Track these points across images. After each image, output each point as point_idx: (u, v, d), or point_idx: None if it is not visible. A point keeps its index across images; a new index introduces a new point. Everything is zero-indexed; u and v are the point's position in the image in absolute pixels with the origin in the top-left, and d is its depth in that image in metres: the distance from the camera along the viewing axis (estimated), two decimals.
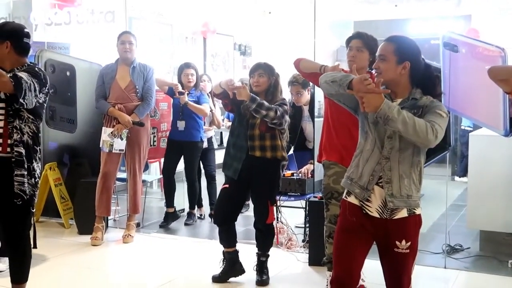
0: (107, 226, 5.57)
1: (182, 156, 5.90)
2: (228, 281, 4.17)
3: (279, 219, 5.11)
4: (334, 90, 2.69)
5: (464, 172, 8.13)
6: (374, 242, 2.76)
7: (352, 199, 2.72)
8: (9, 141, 3.18)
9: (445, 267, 4.50)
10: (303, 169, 5.07)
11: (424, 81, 2.73)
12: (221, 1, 8.46)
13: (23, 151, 3.17)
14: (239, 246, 4.16)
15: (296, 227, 5.48)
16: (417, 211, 2.69)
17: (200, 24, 8.07)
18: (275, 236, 4.18)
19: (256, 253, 4.19)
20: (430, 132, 2.53)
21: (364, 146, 2.71)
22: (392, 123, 2.49)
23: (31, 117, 3.23)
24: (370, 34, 3.80)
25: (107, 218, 5.59)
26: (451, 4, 8.98)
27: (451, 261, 4.63)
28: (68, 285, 4.23)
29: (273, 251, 4.28)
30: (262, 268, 4.17)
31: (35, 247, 3.47)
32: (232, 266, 4.18)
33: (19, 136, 3.17)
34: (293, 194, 5.03)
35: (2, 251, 4.38)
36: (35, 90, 3.15)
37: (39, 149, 3.33)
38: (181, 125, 5.71)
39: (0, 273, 4.22)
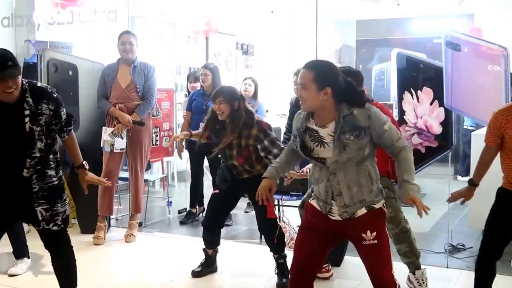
0: (109, 225, 5.58)
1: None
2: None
3: (281, 219, 5.10)
4: None
5: (466, 172, 8.10)
6: None
7: (314, 203, 2.87)
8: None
9: (447, 267, 4.50)
10: (305, 168, 5.06)
11: (348, 97, 2.73)
12: (223, 0, 8.46)
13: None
14: (241, 245, 4.17)
15: (298, 226, 5.47)
16: (377, 206, 2.79)
17: (203, 23, 8.05)
18: (278, 233, 4.15)
19: (273, 255, 4.20)
20: (410, 151, 2.78)
21: (314, 167, 2.87)
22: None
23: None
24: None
25: (109, 217, 5.60)
26: (453, 2, 8.96)
27: (454, 260, 4.63)
28: None
29: None
30: (282, 270, 4.17)
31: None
32: (210, 266, 4.38)
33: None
34: (295, 193, 5.03)
35: (18, 253, 4.40)
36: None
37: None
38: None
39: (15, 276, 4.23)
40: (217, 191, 4.25)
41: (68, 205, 3.25)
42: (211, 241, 4.34)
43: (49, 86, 3.20)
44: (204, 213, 6.14)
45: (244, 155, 4.03)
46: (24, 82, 3.04)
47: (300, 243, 2.89)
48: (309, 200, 2.93)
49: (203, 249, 4.38)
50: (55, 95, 3.11)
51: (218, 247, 4.42)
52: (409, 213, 6.71)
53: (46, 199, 3.11)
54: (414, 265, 3.98)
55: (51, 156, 3.15)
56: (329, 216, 2.81)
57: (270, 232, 4.13)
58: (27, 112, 3.00)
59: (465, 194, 3.46)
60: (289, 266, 4.12)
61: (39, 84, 3.16)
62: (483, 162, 3.36)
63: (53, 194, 3.14)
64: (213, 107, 4.11)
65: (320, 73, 2.70)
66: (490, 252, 3.29)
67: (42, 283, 4.15)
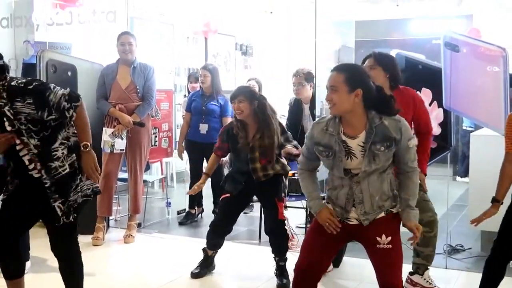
0: (108, 226, 5.57)
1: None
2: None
3: None
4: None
5: (465, 172, 8.11)
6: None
7: (331, 207, 2.85)
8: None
9: (446, 268, 4.50)
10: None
11: (378, 104, 2.72)
12: (222, 1, 8.46)
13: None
14: (240, 246, 4.17)
15: (297, 227, 5.48)
16: (394, 210, 2.78)
17: (202, 24, 8.06)
18: (286, 236, 4.16)
19: (273, 258, 4.19)
20: (418, 174, 2.80)
21: (334, 173, 2.80)
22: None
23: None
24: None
25: (108, 218, 5.60)
26: (452, 3, 8.97)
27: (452, 261, 4.63)
28: None
29: None
30: (282, 272, 4.17)
31: None
32: (208, 266, 4.37)
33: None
34: (294, 194, 5.03)
35: None
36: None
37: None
38: (203, 128, 5.73)
39: None
40: (227, 195, 4.18)
41: (79, 192, 3.11)
42: (216, 244, 4.30)
43: (27, 79, 3.01)
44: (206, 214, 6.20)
45: (268, 155, 4.01)
46: (6, 80, 2.94)
47: (309, 245, 2.87)
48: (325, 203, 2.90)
49: (203, 249, 4.36)
50: (30, 87, 2.94)
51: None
52: None
53: (59, 192, 3.02)
54: (425, 268, 3.98)
55: (54, 147, 3.01)
56: (346, 221, 2.79)
57: (280, 233, 4.11)
58: (3, 112, 2.91)
59: (489, 214, 3.30)
60: (289, 267, 4.17)
61: (14, 81, 2.97)
62: (505, 174, 3.22)
63: (64, 186, 3.04)
64: (233, 107, 4.09)
65: (351, 75, 2.69)
66: (503, 254, 3.24)
67: (40, 285, 4.14)
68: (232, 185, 4.16)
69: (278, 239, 4.12)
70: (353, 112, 2.68)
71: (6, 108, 2.92)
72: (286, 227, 4.26)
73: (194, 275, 4.32)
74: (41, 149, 2.99)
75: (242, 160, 4.09)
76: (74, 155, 3.10)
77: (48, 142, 3.00)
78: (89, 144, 3.12)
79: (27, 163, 2.99)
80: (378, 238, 2.71)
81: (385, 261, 2.76)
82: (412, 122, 3.75)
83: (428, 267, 3.99)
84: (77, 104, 3.07)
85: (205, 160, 5.93)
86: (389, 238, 2.71)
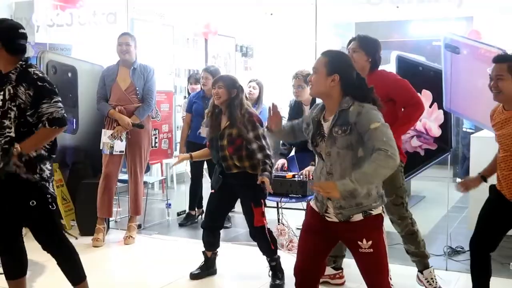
0: (108, 227, 5.57)
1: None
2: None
3: (280, 221, 5.10)
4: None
5: (465, 174, 8.10)
6: None
7: (313, 204, 2.89)
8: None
9: (446, 269, 4.50)
10: (305, 171, 5.07)
11: (354, 90, 2.74)
12: (222, 2, 8.46)
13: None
14: (240, 248, 4.17)
15: (298, 229, 5.46)
16: (374, 212, 2.76)
17: (202, 26, 8.06)
18: (268, 239, 4.15)
19: (266, 258, 4.20)
20: (390, 159, 2.53)
21: (318, 164, 2.88)
22: (358, 191, 2.63)
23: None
24: (371, 36, 3.83)
25: (109, 219, 5.60)
26: (452, 5, 8.95)
27: (453, 263, 4.63)
28: (69, 286, 4.22)
29: None
30: (275, 272, 4.18)
31: None
32: (209, 268, 4.38)
33: None
34: (294, 195, 5.03)
35: None
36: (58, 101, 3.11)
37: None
38: (204, 131, 5.70)
39: None
40: (212, 191, 4.26)
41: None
42: (210, 243, 4.34)
43: (43, 75, 3.11)
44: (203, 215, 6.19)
45: (236, 145, 4.00)
46: (26, 64, 3.08)
47: (301, 246, 2.92)
48: (310, 201, 2.94)
49: (203, 251, 4.37)
50: (39, 83, 3.04)
51: (218, 250, 4.42)
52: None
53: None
54: (422, 264, 4.00)
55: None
56: (325, 216, 2.81)
57: (260, 238, 4.13)
58: (6, 88, 3.02)
59: (472, 183, 3.51)
60: (284, 267, 4.18)
61: (31, 69, 3.09)
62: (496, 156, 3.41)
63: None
64: (212, 92, 4.12)
65: (332, 60, 2.75)
66: (481, 242, 3.39)
67: (36, 284, 4.14)
68: (214, 178, 4.22)
69: (260, 243, 4.15)
70: (329, 96, 2.75)
71: (9, 87, 3.03)
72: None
73: (193, 276, 4.33)
74: (15, 139, 3.03)
75: (215, 148, 4.11)
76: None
77: (22, 137, 3.05)
78: (20, 151, 3.04)
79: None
80: (360, 243, 2.73)
81: (368, 266, 2.79)
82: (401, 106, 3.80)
83: (428, 266, 4.00)
84: (55, 128, 3.08)
85: (205, 162, 5.94)
86: (370, 242, 2.72)
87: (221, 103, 4.07)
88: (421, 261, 4.00)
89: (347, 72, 2.75)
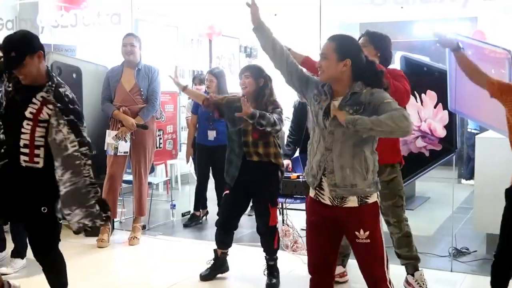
0: (113, 228, 5.58)
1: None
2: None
3: (284, 222, 5.10)
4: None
5: (470, 175, 8.09)
6: None
7: (310, 192, 2.87)
8: (35, 151, 3.10)
9: (451, 270, 4.48)
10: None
11: (367, 76, 2.74)
12: (226, 3, 8.46)
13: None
14: (244, 249, 4.17)
15: (302, 229, 5.45)
16: (370, 200, 2.76)
17: (206, 26, 8.07)
18: (276, 239, 4.15)
19: (264, 257, 4.20)
20: (404, 120, 2.55)
21: (313, 138, 2.85)
22: (361, 127, 2.56)
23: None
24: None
25: (113, 220, 5.60)
26: (457, 6, 8.94)
27: (458, 264, 4.61)
28: (73, 287, 4.23)
29: (279, 254, 4.27)
30: (271, 271, 4.18)
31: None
32: (221, 266, 4.35)
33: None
34: (298, 196, 5.02)
35: (15, 252, 4.42)
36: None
37: None
38: (211, 135, 5.72)
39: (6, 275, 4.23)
40: (227, 191, 4.20)
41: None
42: (223, 242, 4.29)
43: (73, 100, 3.18)
44: (207, 216, 6.20)
45: (260, 131, 3.94)
46: (53, 82, 3.11)
47: (309, 245, 2.93)
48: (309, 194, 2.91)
49: (214, 249, 4.34)
50: (70, 107, 3.11)
51: (228, 250, 4.36)
52: (413, 216, 6.70)
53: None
54: (413, 267, 3.98)
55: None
56: (319, 198, 2.80)
57: (270, 235, 4.13)
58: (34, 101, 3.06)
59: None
60: (280, 268, 4.21)
61: (67, 92, 3.16)
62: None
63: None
64: (239, 83, 4.08)
65: (342, 44, 2.74)
66: (507, 255, 3.26)
67: (35, 284, 4.15)
68: (230, 173, 4.13)
69: (268, 241, 4.15)
70: (340, 81, 2.74)
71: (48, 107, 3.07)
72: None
73: (203, 278, 4.29)
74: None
75: (237, 133, 4.05)
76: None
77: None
78: None
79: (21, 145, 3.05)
80: (357, 233, 2.74)
81: (365, 256, 2.80)
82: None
83: (418, 268, 3.99)
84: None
85: (213, 164, 5.94)
86: (367, 232, 2.73)
87: (248, 93, 4.03)
88: (413, 264, 3.98)
89: (357, 56, 2.75)
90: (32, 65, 3.09)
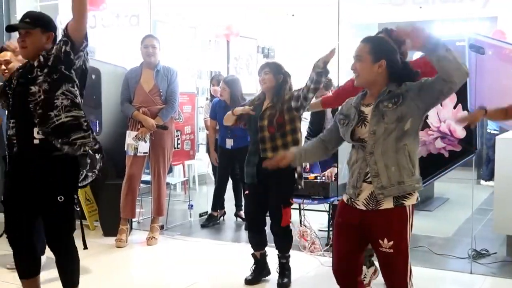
0: (131, 228, 5.62)
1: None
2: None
3: (302, 223, 5.09)
4: None
5: (490, 176, 8.01)
6: None
7: (344, 197, 2.84)
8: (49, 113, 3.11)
9: (471, 272, 4.44)
10: (327, 172, 5.06)
11: (403, 77, 2.71)
12: (244, 4, 8.48)
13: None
14: None
15: (320, 230, 5.46)
16: (407, 202, 2.67)
17: (224, 27, 8.10)
18: (294, 238, 4.15)
19: (277, 254, 4.20)
20: (463, 64, 2.49)
21: (352, 151, 2.82)
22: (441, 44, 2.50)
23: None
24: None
25: (132, 220, 5.64)
26: (476, 5, 8.86)
27: (477, 266, 4.57)
28: (92, 286, 4.27)
29: (296, 255, 4.27)
30: (283, 270, 4.17)
31: (85, 247, 3.38)
32: (262, 270, 4.29)
33: None
34: (316, 197, 5.01)
35: None
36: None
37: None
38: (229, 143, 5.74)
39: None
40: (247, 192, 4.24)
41: (78, 145, 3.19)
42: (257, 243, 4.26)
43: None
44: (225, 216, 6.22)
45: (277, 123, 3.97)
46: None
47: (336, 246, 2.88)
48: (343, 197, 2.87)
49: (252, 254, 4.29)
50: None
51: (266, 250, 4.30)
52: (432, 217, 6.65)
53: (56, 135, 3.14)
54: (368, 262, 3.97)
55: (57, 94, 3.15)
56: (354, 204, 2.74)
57: (284, 235, 4.12)
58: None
59: (475, 115, 3.17)
60: (297, 269, 4.18)
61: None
62: None
63: (61, 132, 3.16)
64: (259, 80, 4.12)
65: (376, 45, 2.72)
66: None
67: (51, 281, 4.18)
68: (249, 172, 4.14)
69: (282, 240, 4.14)
70: (375, 83, 2.71)
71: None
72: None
73: (248, 282, 4.23)
74: (46, 95, 3.07)
75: (253, 130, 4.09)
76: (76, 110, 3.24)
77: (53, 87, 3.12)
78: None
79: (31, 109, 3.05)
80: (381, 241, 2.66)
81: (386, 265, 2.74)
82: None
83: (373, 264, 3.95)
84: None
85: (233, 166, 5.96)
86: (391, 242, 2.64)
87: (267, 89, 4.07)
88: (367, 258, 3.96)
89: (392, 57, 2.72)
90: (39, 39, 3.14)
